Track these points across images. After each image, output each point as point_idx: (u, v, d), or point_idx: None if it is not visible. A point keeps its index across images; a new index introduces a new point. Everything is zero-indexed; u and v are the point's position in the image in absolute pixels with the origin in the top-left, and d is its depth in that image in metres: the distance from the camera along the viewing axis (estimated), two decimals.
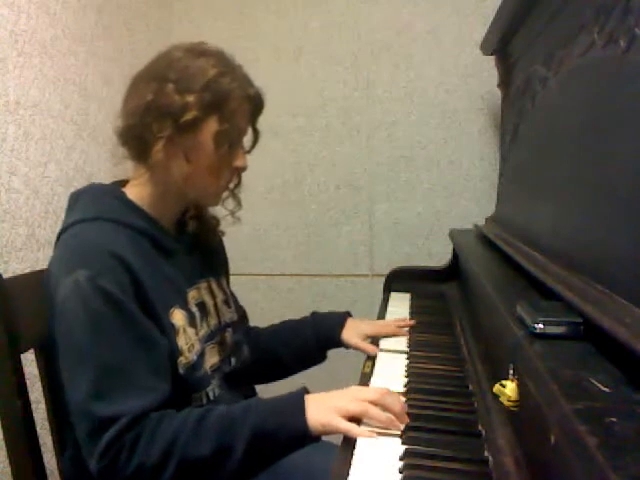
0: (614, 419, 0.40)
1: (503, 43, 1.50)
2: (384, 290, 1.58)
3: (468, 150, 1.85)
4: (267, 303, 1.96)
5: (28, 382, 0.90)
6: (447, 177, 1.87)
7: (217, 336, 1.00)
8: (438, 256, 1.81)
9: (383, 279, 1.61)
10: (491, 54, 1.61)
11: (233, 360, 1.04)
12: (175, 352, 0.86)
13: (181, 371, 0.87)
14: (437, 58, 1.85)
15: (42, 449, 0.90)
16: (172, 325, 0.88)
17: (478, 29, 1.69)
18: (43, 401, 0.96)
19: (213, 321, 1.00)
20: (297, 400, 0.77)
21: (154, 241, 0.91)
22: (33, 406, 0.90)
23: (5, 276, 0.88)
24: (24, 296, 0.91)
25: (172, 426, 0.76)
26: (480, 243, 1.35)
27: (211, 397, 0.92)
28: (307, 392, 0.80)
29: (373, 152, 1.92)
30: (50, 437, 0.96)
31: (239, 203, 1.03)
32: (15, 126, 1.27)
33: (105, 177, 1.58)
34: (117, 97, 1.62)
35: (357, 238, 1.95)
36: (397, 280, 1.59)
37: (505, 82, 1.58)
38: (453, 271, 1.57)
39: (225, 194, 1.01)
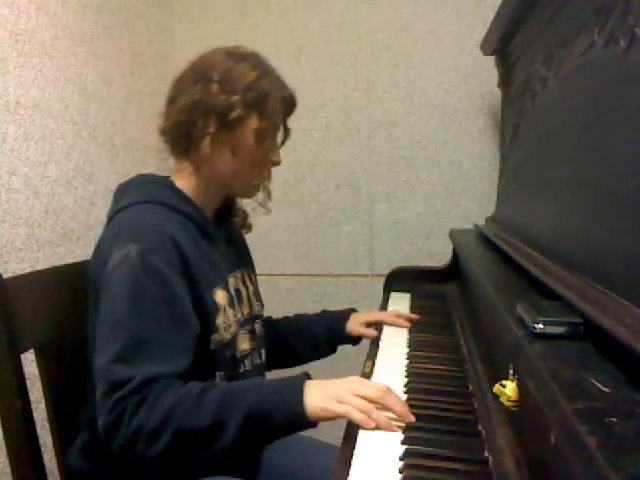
0: (614, 419, 0.40)
1: (503, 43, 1.50)
2: (384, 290, 1.58)
3: (468, 150, 1.85)
4: (267, 303, 1.94)
5: (28, 382, 0.90)
6: (447, 177, 1.87)
7: (249, 325, 1.05)
8: (438, 256, 1.81)
9: (383, 279, 1.61)
10: (491, 54, 1.61)
11: (263, 352, 1.09)
12: (211, 329, 0.92)
13: (212, 346, 0.92)
14: (437, 58, 1.85)
15: (42, 449, 0.91)
16: (215, 303, 0.93)
17: (478, 29, 1.69)
18: (43, 401, 0.96)
19: (246, 310, 1.05)
20: (296, 383, 0.79)
21: (200, 228, 0.97)
22: (33, 406, 0.90)
23: (5, 276, 0.88)
24: (24, 296, 0.91)
25: (175, 395, 0.78)
26: (480, 243, 1.35)
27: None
28: (309, 377, 0.81)
29: (373, 152, 1.92)
30: (50, 437, 0.96)
31: (269, 195, 1.10)
32: (15, 126, 1.27)
33: (105, 177, 1.59)
34: (117, 97, 1.62)
35: (357, 238, 1.95)
36: (397, 280, 1.59)
37: (505, 82, 1.58)
38: (453, 271, 1.57)
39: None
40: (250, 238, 1.19)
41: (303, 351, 1.25)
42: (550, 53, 1.05)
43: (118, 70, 1.70)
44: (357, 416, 0.74)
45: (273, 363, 1.19)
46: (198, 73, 0.97)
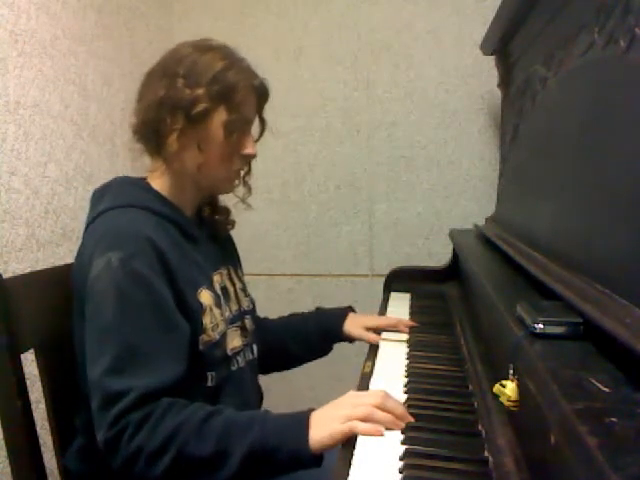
0: (614, 419, 0.40)
1: (503, 43, 1.50)
2: (384, 290, 1.57)
3: (468, 150, 1.85)
4: (267, 303, 1.94)
5: (28, 382, 0.90)
6: (447, 177, 1.87)
7: (238, 321, 1.04)
8: (438, 256, 1.81)
9: (383, 279, 1.61)
10: (491, 54, 1.61)
11: (255, 347, 1.08)
12: (198, 330, 0.90)
13: (201, 347, 0.90)
14: (437, 58, 1.85)
15: (42, 449, 0.90)
16: (200, 304, 0.92)
17: (478, 29, 1.69)
18: (43, 401, 0.96)
19: (234, 306, 1.04)
20: (301, 421, 0.76)
21: (180, 228, 0.95)
22: (33, 406, 0.90)
23: (5, 276, 0.88)
24: (24, 296, 0.91)
25: (178, 417, 0.77)
26: (480, 243, 1.35)
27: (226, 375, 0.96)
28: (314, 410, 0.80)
29: (373, 152, 1.92)
30: (50, 437, 0.96)
31: (249, 190, 1.08)
32: (15, 126, 1.27)
33: (105, 177, 1.58)
34: (117, 97, 1.62)
35: (357, 238, 1.95)
36: (397, 280, 1.59)
37: (505, 82, 1.58)
38: (453, 271, 1.57)
39: (237, 182, 1.05)
40: (250, 238, 1.19)
41: (296, 350, 1.23)
42: (550, 53, 1.05)
43: (118, 70, 1.70)
44: (363, 428, 0.73)
45: (268, 366, 1.18)
46: (165, 68, 0.95)
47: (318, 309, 1.29)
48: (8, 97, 1.25)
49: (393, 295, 1.52)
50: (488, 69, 1.70)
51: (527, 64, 1.30)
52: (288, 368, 1.28)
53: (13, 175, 1.26)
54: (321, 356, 1.26)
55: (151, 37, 1.90)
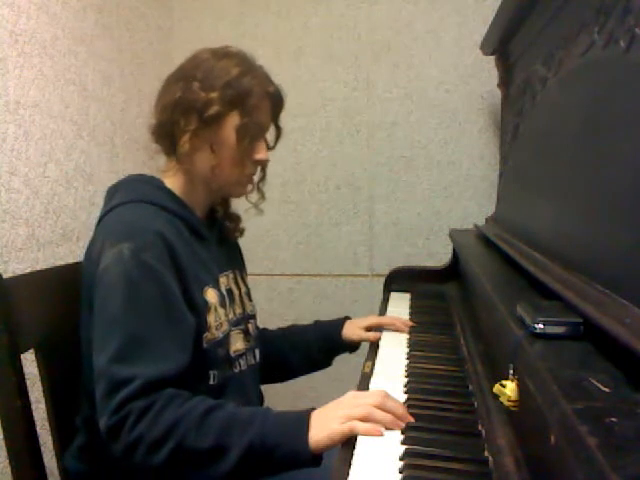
0: (614, 419, 0.40)
1: (503, 43, 1.50)
2: (384, 290, 1.57)
3: (468, 150, 1.85)
4: (267, 303, 1.95)
5: (28, 382, 0.90)
6: (447, 177, 1.87)
7: (242, 324, 1.05)
8: (438, 256, 1.81)
9: (383, 279, 1.61)
10: (491, 54, 1.61)
11: (257, 352, 1.09)
12: (203, 327, 0.92)
13: (205, 345, 0.92)
14: (437, 58, 1.85)
15: (42, 449, 0.90)
16: (205, 302, 0.94)
17: (478, 29, 1.69)
18: (43, 401, 0.96)
19: (239, 310, 1.05)
20: (301, 420, 0.77)
21: (190, 226, 0.97)
22: (33, 406, 0.90)
23: (5, 276, 0.88)
24: (24, 296, 0.92)
25: (181, 409, 0.77)
26: (480, 243, 1.35)
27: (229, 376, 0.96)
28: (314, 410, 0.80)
29: (373, 152, 1.92)
30: (50, 437, 0.96)
31: (262, 196, 1.10)
32: (15, 126, 1.27)
33: (105, 177, 1.59)
34: (117, 97, 1.62)
35: (357, 238, 1.95)
36: (397, 280, 1.59)
37: (505, 82, 1.58)
38: (453, 271, 1.57)
39: (249, 187, 1.07)
40: (250, 238, 1.19)
41: (296, 361, 1.23)
42: (550, 53, 1.05)
43: (118, 70, 1.70)
44: (363, 428, 0.73)
45: (267, 377, 1.18)
46: (183, 72, 0.98)
47: (317, 321, 1.29)
48: (8, 97, 1.25)
49: (393, 295, 1.52)
50: (488, 69, 1.70)
51: (527, 64, 1.30)
52: (286, 379, 1.28)
53: (13, 175, 1.26)
54: (320, 368, 1.26)
55: (151, 37, 1.90)
